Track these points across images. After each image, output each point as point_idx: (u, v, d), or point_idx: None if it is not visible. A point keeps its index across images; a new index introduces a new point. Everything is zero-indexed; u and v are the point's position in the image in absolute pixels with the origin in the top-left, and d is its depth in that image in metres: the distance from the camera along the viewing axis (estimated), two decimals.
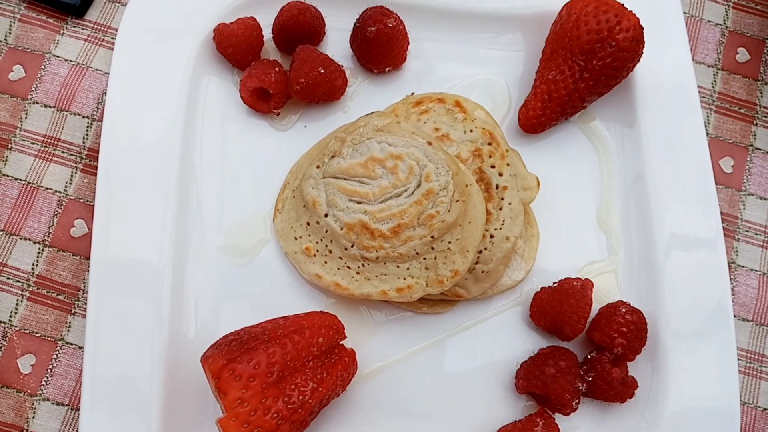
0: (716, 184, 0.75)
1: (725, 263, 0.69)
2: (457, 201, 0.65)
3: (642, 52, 0.69)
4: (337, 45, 0.76)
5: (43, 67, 0.77)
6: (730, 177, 0.78)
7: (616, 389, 0.64)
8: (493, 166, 0.70)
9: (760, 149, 0.79)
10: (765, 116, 0.80)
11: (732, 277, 0.75)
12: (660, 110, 0.74)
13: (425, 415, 0.67)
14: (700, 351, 0.67)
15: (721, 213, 0.75)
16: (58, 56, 0.77)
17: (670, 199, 0.72)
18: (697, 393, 0.66)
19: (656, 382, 0.67)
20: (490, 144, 0.71)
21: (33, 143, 0.75)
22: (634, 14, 0.67)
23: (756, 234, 0.76)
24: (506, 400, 0.68)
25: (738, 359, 0.69)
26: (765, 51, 0.82)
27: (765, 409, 0.72)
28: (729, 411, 0.66)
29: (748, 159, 0.78)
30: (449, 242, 0.66)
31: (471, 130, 0.71)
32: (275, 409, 0.56)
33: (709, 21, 0.82)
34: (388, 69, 0.75)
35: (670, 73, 0.75)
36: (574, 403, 0.64)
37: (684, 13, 0.79)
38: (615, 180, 0.75)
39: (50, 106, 0.76)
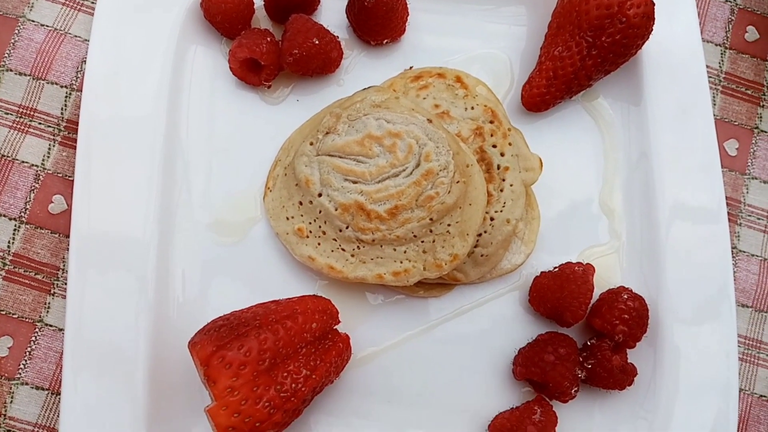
0: (720, 167, 0.73)
1: (729, 249, 0.68)
2: (458, 182, 0.63)
3: (652, 29, 0.66)
4: (332, 14, 0.72)
5: (16, 32, 0.72)
6: (734, 160, 0.76)
7: (616, 377, 0.63)
8: (494, 146, 0.67)
9: (765, 132, 0.77)
10: None
11: (733, 262, 0.73)
12: (667, 89, 0.72)
13: (420, 401, 0.66)
14: (700, 337, 0.66)
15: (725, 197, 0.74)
16: (33, 21, 0.72)
17: (675, 181, 0.70)
18: (696, 380, 0.66)
19: (656, 368, 0.66)
20: (491, 122, 0.68)
21: (7, 113, 0.70)
22: None
23: (759, 219, 0.75)
24: (503, 386, 0.66)
25: (737, 346, 0.68)
26: None
27: (761, 395, 0.71)
28: (727, 399, 0.65)
29: (754, 142, 0.76)
30: (448, 225, 0.63)
31: (472, 108, 0.68)
32: (267, 397, 0.54)
33: None
34: (386, 41, 0.71)
35: (679, 50, 0.72)
36: (573, 391, 0.62)
37: None
38: (618, 161, 0.72)
39: (25, 74, 0.71)
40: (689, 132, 0.71)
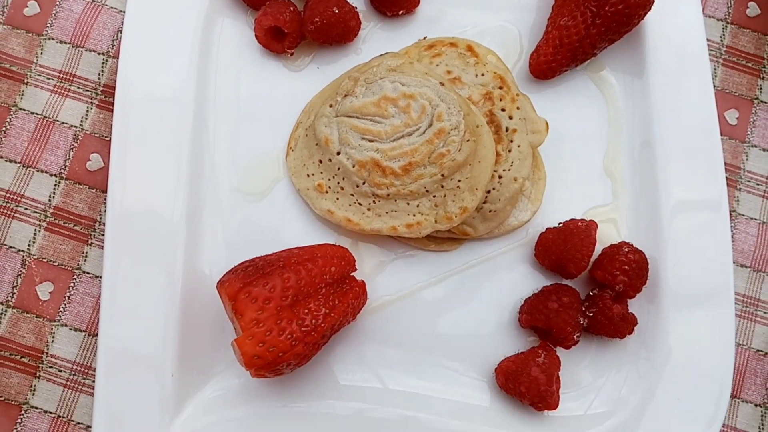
0: (721, 135, 0.77)
1: (727, 211, 0.71)
2: (468, 141, 0.67)
3: (653, 0, 0.70)
4: None
5: (58, 3, 0.77)
6: (734, 129, 0.79)
7: (617, 324, 0.66)
8: (503, 110, 0.71)
9: (765, 102, 0.80)
10: None
11: (732, 225, 0.77)
12: (668, 61, 0.75)
13: (431, 347, 0.70)
14: (699, 294, 0.69)
15: (725, 164, 0.77)
16: None
17: (676, 149, 0.73)
18: (694, 333, 0.69)
19: (655, 320, 0.69)
20: (500, 88, 0.72)
21: (49, 78, 0.76)
22: None
23: (758, 184, 0.78)
24: (509, 334, 0.70)
25: (735, 303, 0.71)
26: None
27: (758, 350, 0.74)
28: (724, 350, 0.68)
29: (753, 112, 0.80)
30: (459, 180, 0.67)
31: (482, 74, 0.72)
32: (289, 330, 0.58)
33: None
34: (401, 12, 0.76)
35: (680, 24, 0.76)
36: (575, 336, 0.66)
37: None
38: (622, 128, 0.76)
39: (65, 42, 0.77)
40: (690, 102, 0.74)
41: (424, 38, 0.76)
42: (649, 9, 0.71)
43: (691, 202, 0.72)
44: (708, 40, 0.80)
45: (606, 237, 0.72)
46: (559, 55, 0.73)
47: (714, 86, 0.79)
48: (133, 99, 0.71)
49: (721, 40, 0.81)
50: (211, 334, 0.68)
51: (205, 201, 0.71)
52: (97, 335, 0.68)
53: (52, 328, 0.71)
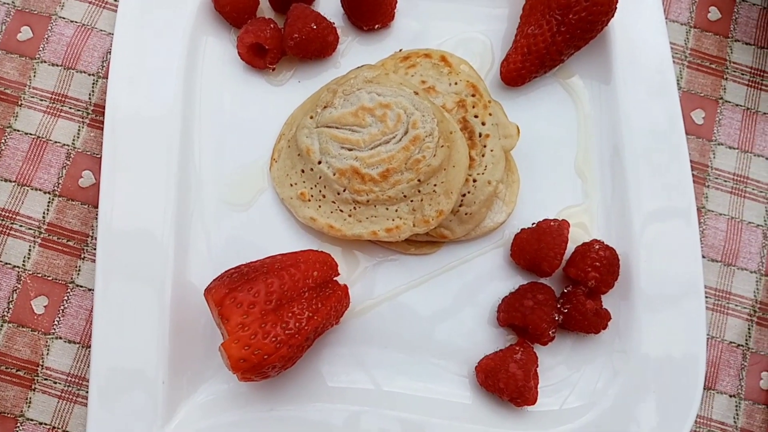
0: (688, 134, 0.80)
1: (694, 207, 0.73)
2: (442, 146, 0.70)
3: (615, 7, 0.73)
4: (328, 3, 0.80)
5: (50, 28, 0.81)
6: (701, 128, 0.82)
7: (591, 320, 0.69)
8: (476, 116, 0.74)
9: (729, 102, 0.83)
10: (734, 71, 0.84)
11: (702, 221, 0.79)
12: (634, 66, 0.78)
13: (414, 347, 0.72)
14: (670, 289, 0.72)
15: (692, 161, 0.80)
16: (63, 18, 0.81)
17: (643, 149, 0.75)
18: (666, 326, 0.71)
19: (628, 315, 0.72)
20: (473, 95, 0.75)
21: (42, 100, 0.79)
22: None
23: (725, 181, 0.81)
24: (489, 333, 0.73)
25: (706, 297, 0.74)
26: (735, 10, 0.86)
27: (731, 342, 0.77)
28: (696, 343, 0.70)
29: (718, 111, 0.83)
30: (434, 185, 0.70)
31: (456, 83, 0.76)
32: (274, 333, 0.61)
33: None
34: (377, 26, 0.79)
35: (644, 29, 0.79)
36: (551, 332, 0.68)
37: None
38: (592, 131, 0.79)
39: (57, 65, 0.80)
40: (656, 105, 0.77)
41: (400, 50, 0.80)
42: (612, 15, 0.74)
43: (661, 200, 0.74)
44: (672, 43, 0.83)
45: (578, 236, 0.75)
46: (528, 62, 0.76)
47: (680, 87, 0.83)
48: (122, 117, 0.74)
49: (686, 44, 0.85)
50: (200, 342, 0.71)
51: (193, 214, 0.74)
52: (90, 347, 0.70)
53: (47, 341, 0.73)
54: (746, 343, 0.77)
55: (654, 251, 0.72)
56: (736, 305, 0.78)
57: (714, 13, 0.86)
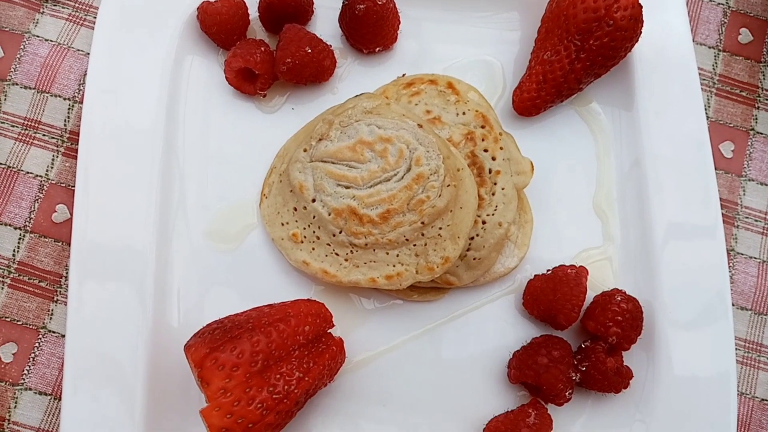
0: (716, 169, 0.73)
1: (724, 251, 0.67)
2: (448, 186, 0.63)
3: (641, 32, 0.67)
4: (325, 24, 0.73)
5: (22, 47, 0.74)
6: (730, 162, 0.76)
7: (611, 379, 0.62)
8: (485, 150, 0.68)
9: (761, 133, 0.77)
10: (767, 99, 0.77)
11: (731, 264, 0.73)
12: (659, 93, 0.72)
13: (415, 405, 0.66)
14: (697, 341, 0.66)
15: (721, 199, 0.73)
16: (38, 36, 0.75)
17: (669, 185, 0.70)
18: (693, 383, 0.65)
19: (652, 372, 0.65)
20: (483, 127, 0.69)
21: (13, 126, 0.73)
22: None
23: (756, 221, 0.74)
24: (498, 390, 0.66)
25: (735, 348, 0.68)
26: None
27: (763, 399, 0.70)
28: (726, 402, 0.64)
29: (749, 143, 0.76)
30: (440, 228, 0.64)
31: (463, 113, 0.69)
32: (259, 399, 0.55)
33: (710, 0, 0.80)
34: (378, 49, 0.73)
35: (670, 54, 0.73)
36: (567, 393, 0.62)
37: None
38: (612, 165, 0.73)
39: (30, 88, 0.73)
40: (682, 136, 0.71)
41: (403, 75, 0.73)
42: (636, 41, 0.68)
43: (687, 241, 0.68)
44: (699, 68, 0.76)
45: (598, 281, 0.69)
46: (543, 91, 0.69)
47: (707, 117, 0.76)
48: (97, 146, 0.68)
49: (714, 69, 0.78)
50: (182, 402, 0.64)
51: (176, 253, 0.68)
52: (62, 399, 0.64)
53: (14, 393, 0.67)
54: None
55: (682, 302, 0.66)
56: None
57: (745, 36, 0.79)
